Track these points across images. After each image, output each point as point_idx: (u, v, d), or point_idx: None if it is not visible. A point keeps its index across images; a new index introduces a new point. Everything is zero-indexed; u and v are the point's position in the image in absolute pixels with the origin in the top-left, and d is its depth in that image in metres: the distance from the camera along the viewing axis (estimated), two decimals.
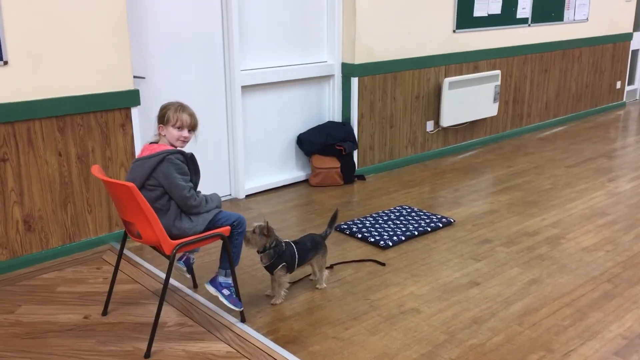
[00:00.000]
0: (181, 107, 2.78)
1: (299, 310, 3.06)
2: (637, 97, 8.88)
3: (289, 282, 3.20)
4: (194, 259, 3.18)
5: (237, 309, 2.91)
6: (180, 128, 2.76)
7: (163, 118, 2.76)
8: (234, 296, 2.91)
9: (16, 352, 2.71)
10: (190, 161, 2.77)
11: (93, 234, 3.79)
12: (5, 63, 3.26)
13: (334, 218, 3.28)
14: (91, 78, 3.59)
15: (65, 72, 3.49)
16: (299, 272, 3.27)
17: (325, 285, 3.29)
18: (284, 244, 3.06)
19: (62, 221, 3.65)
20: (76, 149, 3.62)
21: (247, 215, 2.93)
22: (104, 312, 3.02)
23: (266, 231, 2.97)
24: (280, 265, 3.04)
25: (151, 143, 2.82)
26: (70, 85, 3.52)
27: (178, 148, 2.76)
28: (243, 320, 2.94)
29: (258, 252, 3.05)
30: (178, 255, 3.00)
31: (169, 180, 2.67)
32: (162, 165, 2.66)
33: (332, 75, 5.09)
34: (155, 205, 2.67)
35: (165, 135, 2.78)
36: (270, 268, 3.07)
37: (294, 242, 3.15)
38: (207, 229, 2.79)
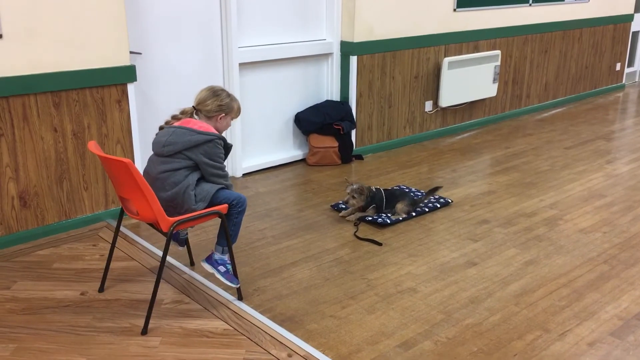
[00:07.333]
0: (234, 98, 2.89)
1: (296, 289, 3.06)
2: (637, 80, 8.84)
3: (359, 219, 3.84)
4: (185, 233, 3.17)
5: (233, 286, 2.91)
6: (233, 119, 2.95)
7: (227, 108, 2.85)
8: (230, 273, 2.90)
9: (13, 327, 2.70)
10: (227, 150, 2.86)
11: (89, 210, 3.77)
12: (0, 37, 3.22)
13: (434, 190, 4.07)
14: (87, 53, 3.54)
15: (61, 47, 3.44)
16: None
17: (400, 217, 3.87)
18: (374, 189, 3.89)
19: (57, 197, 3.63)
20: (72, 125, 3.58)
21: (244, 194, 2.90)
22: (101, 289, 3.02)
23: (361, 191, 3.78)
24: (371, 207, 3.86)
25: (190, 118, 2.84)
26: (66, 60, 3.47)
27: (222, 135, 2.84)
28: (240, 298, 2.94)
29: (360, 209, 3.85)
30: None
31: (211, 159, 2.76)
32: (207, 146, 2.73)
33: (331, 54, 5.04)
34: (175, 175, 2.72)
35: (219, 120, 2.85)
36: (363, 209, 3.86)
37: (384, 189, 3.96)
38: (206, 206, 2.78)
